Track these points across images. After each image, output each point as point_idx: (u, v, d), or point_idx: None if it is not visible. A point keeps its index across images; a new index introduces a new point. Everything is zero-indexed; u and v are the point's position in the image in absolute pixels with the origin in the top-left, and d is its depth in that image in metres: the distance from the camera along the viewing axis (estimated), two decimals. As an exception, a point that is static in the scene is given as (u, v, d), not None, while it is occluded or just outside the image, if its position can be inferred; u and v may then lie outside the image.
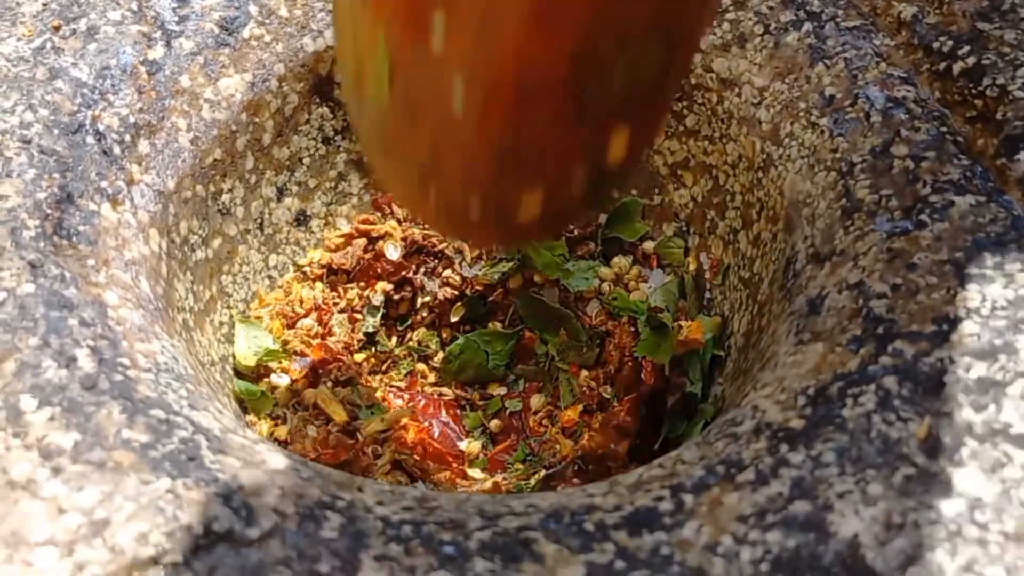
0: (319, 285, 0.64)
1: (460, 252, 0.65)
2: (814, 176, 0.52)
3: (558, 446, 0.59)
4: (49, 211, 0.48)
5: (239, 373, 0.59)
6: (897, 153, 0.50)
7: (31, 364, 0.41)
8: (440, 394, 0.62)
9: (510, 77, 0.33)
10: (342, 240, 0.65)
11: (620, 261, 0.65)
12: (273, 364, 0.59)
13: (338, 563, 0.36)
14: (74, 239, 0.48)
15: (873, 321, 0.43)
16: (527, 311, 0.64)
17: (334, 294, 0.64)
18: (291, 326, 0.62)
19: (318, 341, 0.61)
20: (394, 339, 0.64)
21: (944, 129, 0.50)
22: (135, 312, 0.46)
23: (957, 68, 0.53)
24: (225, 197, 0.59)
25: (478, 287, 0.64)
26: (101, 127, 0.52)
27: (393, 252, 0.64)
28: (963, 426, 0.39)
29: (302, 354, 0.60)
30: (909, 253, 0.45)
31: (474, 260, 0.65)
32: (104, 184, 0.51)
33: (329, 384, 0.60)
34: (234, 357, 0.59)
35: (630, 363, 0.59)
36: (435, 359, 0.63)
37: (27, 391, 0.40)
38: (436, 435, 0.59)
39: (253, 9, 0.60)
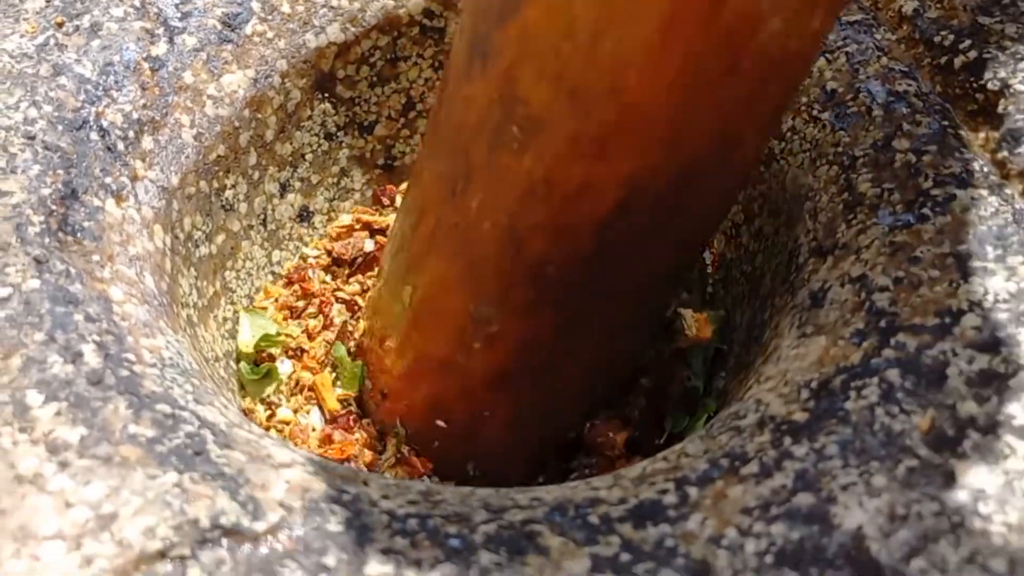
0: (320, 273, 0.64)
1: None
2: (816, 170, 0.52)
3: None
4: (54, 207, 0.48)
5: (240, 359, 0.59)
6: (899, 147, 0.50)
7: (37, 359, 0.41)
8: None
9: None
10: (343, 230, 0.65)
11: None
12: (275, 351, 0.59)
13: (344, 556, 0.36)
14: (79, 235, 0.48)
15: (876, 314, 0.44)
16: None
17: (334, 283, 0.64)
18: (295, 317, 0.62)
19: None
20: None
21: (946, 123, 0.50)
22: (140, 307, 0.47)
23: (958, 62, 0.53)
24: (228, 193, 0.59)
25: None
26: (105, 123, 0.52)
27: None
28: (966, 418, 0.39)
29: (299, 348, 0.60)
30: (911, 246, 0.46)
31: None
32: (108, 180, 0.51)
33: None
34: (237, 347, 0.59)
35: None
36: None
37: (33, 386, 0.40)
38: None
39: (256, 5, 0.60)
